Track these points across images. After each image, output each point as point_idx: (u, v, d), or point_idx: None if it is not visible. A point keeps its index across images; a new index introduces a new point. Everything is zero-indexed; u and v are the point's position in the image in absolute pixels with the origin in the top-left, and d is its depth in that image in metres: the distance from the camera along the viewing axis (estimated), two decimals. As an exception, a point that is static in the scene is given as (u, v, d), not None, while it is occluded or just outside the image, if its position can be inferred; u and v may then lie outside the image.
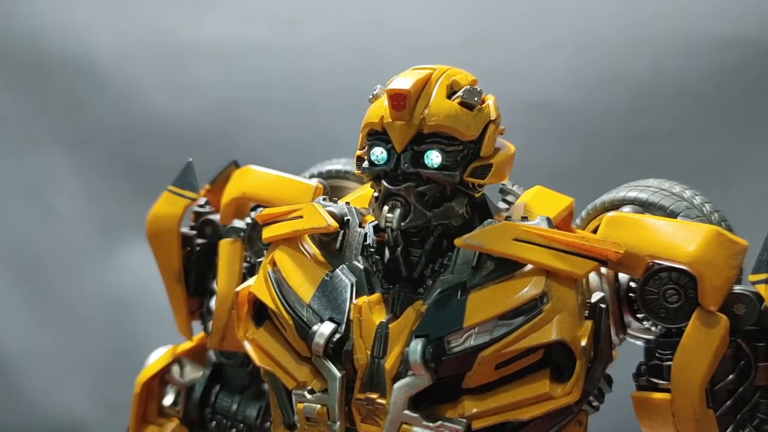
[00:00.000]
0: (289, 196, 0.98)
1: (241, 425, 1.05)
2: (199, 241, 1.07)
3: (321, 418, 0.81)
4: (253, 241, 1.02)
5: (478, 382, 0.77)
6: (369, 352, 0.78)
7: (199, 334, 1.10)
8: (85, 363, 1.87)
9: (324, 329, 0.80)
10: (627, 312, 0.85)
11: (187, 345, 1.10)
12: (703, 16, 1.54)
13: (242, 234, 1.02)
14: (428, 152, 0.77)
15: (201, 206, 1.08)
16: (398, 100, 0.76)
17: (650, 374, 0.83)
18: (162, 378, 1.09)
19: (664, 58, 1.56)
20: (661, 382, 0.82)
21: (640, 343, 0.88)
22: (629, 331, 0.87)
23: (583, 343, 0.74)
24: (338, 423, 0.80)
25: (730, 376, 0.79)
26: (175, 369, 1.09)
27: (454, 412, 0.77)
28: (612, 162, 1.54)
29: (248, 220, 1.03)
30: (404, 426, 0.77)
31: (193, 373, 1.09)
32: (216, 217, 1.07)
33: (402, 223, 0.77)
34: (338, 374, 0.79)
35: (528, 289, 0.76)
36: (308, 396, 0.82)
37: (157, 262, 1.06)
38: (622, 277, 0.84)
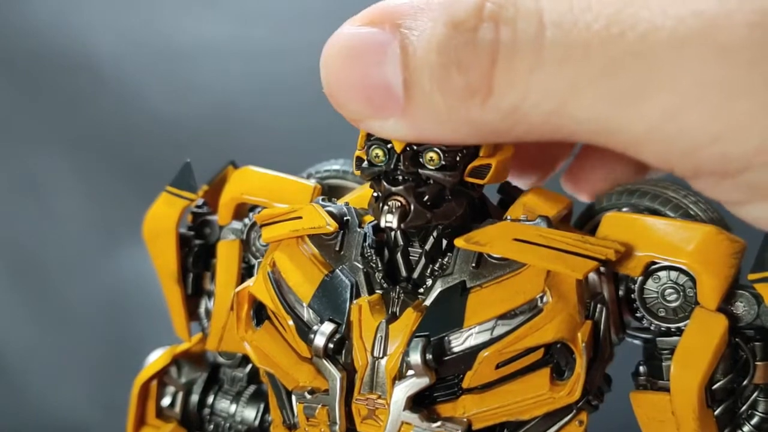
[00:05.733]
0: (287, 196, 0.98)
1: (240, 426, 1.05)
2: (197, 241, 1.07)
3: (321, 418, 0.81)
4: (251, 242, 1.02)
5: (478, 381, 0.77)
6: (369, 353, 0.78)
7: (197, 336, 1.09)
8: (85, 363, 1.86)
9: (324, 329, 0.80)
10: (626, 311, 0.85)
11: (185, 346, 1.10)
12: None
13: (241, 235, 1.02)
14: (427, 152, 0.77)
15: (199, 207, 1.08)
16: None
17: (649, 374, 0.83)
18: (161, 379, 1.09)
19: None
20: (660, 381, 0.82)
21: (639, 342, 0.88)
22: (628, 331, 0.87)
23: (584, 342, 0.75)
24: (339, 423, 0.80)
25: (729, 375, 0.79)
26: (173, 370, 1.09)
27: (454, 411, 0.78)
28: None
29: (246, 220, 1.03)
30: (405, 426, 0.77)
31: (191, 374, 1.09)
32: (214, 217, 1.07)
33: (402, 224, 0.77)
34: (338, 375, 0.79)
35: (528, 288, 0.76)
36: (308, 396, 0.82)
37: (154, 263, 1.06)
38: (621, 276, 0.84)
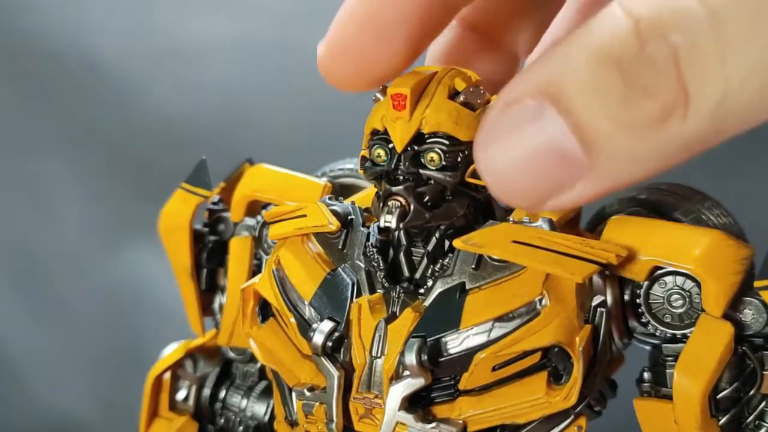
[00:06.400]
0: (298, 194, 0.99)
1: (250, 421, 1.06)
2: (211, 238, 1.08)
3: (319, 416, 0.81)
4: (263, 239, 1.03)
5: (475, 383, 0.76)
6: (367, 352, 0.79)
7: (211, 331, 1.11)
8: (86, 363, 1.86)
9: (323, 327, 0.80)
10: (631, 316, 0.83)
11: (200, 341, 1.11)
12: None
13: (253, 231, 1.03)
14: (428, 152, 0.77)
15: (215, 204, 1.09)
16: (399, 99, 0.76)
17: (653, 380, 0.81)
18: (174, 372, 1.10)
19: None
20: (664, 388, 0.80)
21: (648, 347, 0.86)
22: (636, 335, 0.86)
23: (581, 347, 0.74)
24: (335, 421, 0.80)
25: (735, 384, 0.77)
26: (189, 364, 1.10)
27: (450, 413, 0.77)
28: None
29: (259, 217, 1.04)
30: (399, 426, 0.77)
31: (206, 369, 1.10)
32: (229, 214, 1.08)
33: (401, 224, 0.77)
34: (336, 373, 0.79)
35: (526, 291, 0.75)
36: (307, 393, 0.82)
37: (169, 258, 1.07)
38: (627, 280, 0.83)
